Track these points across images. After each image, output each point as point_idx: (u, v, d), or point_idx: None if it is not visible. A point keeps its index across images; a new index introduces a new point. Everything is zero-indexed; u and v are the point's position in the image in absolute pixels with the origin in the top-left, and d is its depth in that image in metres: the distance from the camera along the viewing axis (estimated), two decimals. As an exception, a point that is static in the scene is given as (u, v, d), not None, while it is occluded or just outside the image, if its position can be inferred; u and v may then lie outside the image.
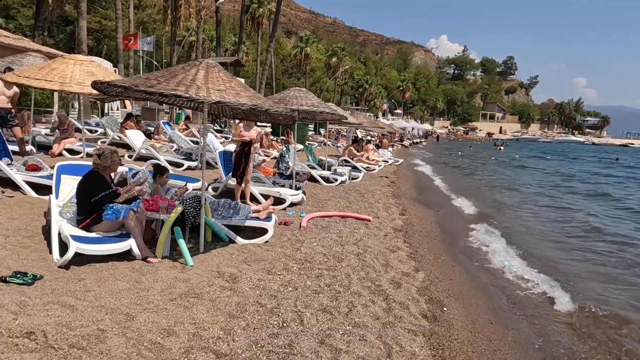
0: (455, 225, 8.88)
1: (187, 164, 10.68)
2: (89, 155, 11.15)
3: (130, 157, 11.12)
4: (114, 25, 43.32)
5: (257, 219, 5.81)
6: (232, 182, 7.77)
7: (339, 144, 20.48)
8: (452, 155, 36.32)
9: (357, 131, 32.06)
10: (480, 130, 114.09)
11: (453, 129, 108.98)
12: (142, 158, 10.43)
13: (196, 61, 4.58)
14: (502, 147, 47.48)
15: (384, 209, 8.47)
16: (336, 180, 11.09)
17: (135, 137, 11.40)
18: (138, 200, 4.75)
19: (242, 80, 6.12)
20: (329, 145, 24.44)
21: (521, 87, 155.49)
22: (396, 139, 37.68)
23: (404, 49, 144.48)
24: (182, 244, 4.59)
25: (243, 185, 7.62)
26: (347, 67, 67.76)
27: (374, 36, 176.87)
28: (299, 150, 15.77)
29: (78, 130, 15.51)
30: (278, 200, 7.78)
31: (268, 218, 5.91)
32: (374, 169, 14.82)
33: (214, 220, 5.42)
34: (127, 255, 4.42)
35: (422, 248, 6.15)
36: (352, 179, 12.22)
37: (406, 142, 39.78)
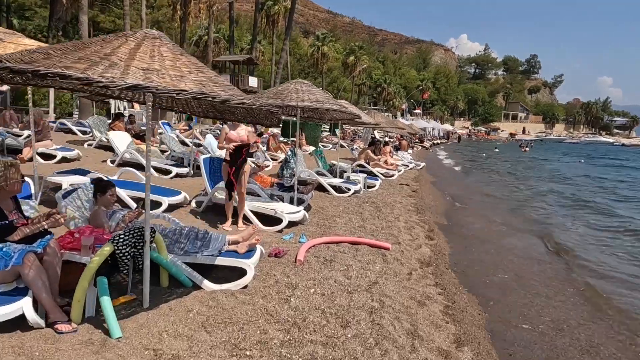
0: (504, 256, 7.05)
1: (175, 170, 9.24)
2: (65, 159, 9.93)
3: (112, 162, 9.76)
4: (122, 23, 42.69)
5: (235, 253, 4.27)
6: (222, 194, 6.28)
7: (354, 146, 18.80)
8: (478, 157, 34.16)
9: (375, 132, 30.35)
10: (502, 130, 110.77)
11: (474, 130, 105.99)
12: (126, 163, 9.04)
13: (131, 31, 3.06)
14: (527, 149, 44.98)
15: (406, 230, 6.84)
16: (349, 190, 9.49)
17: (119, 139, 10.03)
18: (48, 236, 3.25)
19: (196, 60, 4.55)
20: (344, 147, 22.83)
21: (545, 87, 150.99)
22: (416, 140, 35.80)
23: (423, 48, 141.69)
24: (106, 304, 3.08)
25: (237, 198, 6.12)
26: (364, 65, 65.92)
27: (392, 35, 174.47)
28: (308, 154, 14.20)
29: (67, 131, 14.33)
30: (274, 219, 6.24)
31: (250, 252, 4.37)
32: (393, 175, 13.15)
33: (171, 258, 3.90)
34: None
35: (461, 296, 4.51)
36: (368, 187, 10.60)
37: (427, 144, 37.82)
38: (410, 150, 25.61)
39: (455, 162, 26.33)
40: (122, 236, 3.31)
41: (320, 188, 9.41)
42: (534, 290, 5.34)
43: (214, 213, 6.39)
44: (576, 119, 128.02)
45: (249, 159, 6.93)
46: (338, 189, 9.55)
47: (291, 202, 7.27)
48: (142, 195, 5.52)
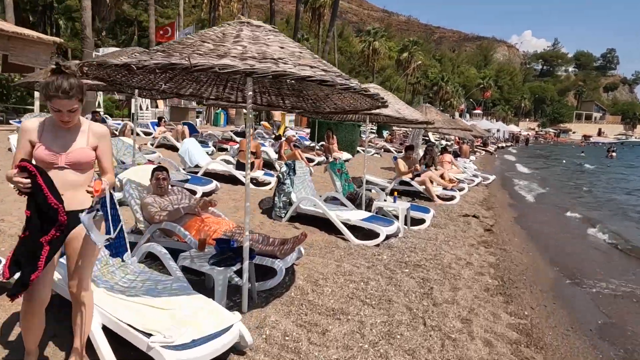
0: None
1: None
2: None
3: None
4: (165, 21, 41.04)
5: None
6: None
7: (395, 154, 14.53)
8: (558, 164, 28.21)
9: (430, 134, 25.77)
10: (574, 132, 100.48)
11: (541, 131, 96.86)
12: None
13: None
14: (614, 154, 38.01)
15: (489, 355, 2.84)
16: (378, 233, 5.51)
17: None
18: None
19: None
20: (391, 151, 18.71)
21: (624, 84, 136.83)
22: (478, 144, 30.70)
23: (484, 45, 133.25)
24: None
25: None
26: (419, 62, 60.87)
27: (450, 33, 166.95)
28: (323, 170, 10.29)
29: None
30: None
31: None
32: (453, 198, 8.97)
33: None
34: None
35: None
36: (413, 222, 6.55)
37: (491, 148, 32.53)
38: (472, 157, 20.95)
39: (533, 172, 21.05)
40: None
41: (329, 226, 5.59)
42: None
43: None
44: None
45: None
46: (359, 231, 5.63)
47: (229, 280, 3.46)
48: None
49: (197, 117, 24.14)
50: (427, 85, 78.17)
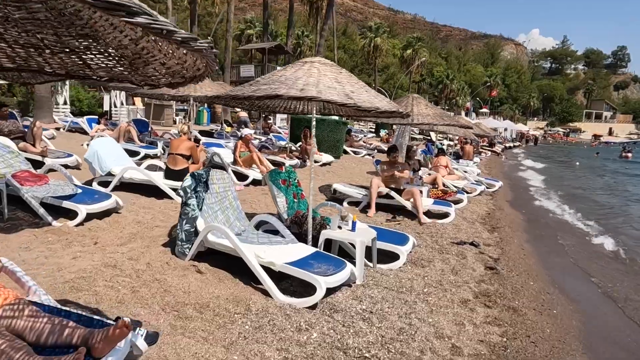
0: None
1: None
2: None
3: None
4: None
5: None
6: None
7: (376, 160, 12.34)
8: (571, 167, 25.71)
9: (432, 133, 23.62)
10: (583, 131, 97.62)
11: (550, 131, 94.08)
12: None
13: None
14: (630, 154, 35.56)
15: None
16: (322, 284, 3.52)
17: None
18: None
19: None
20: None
21: (635, 82, 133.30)
22: (484, 144, 28.54)
23: (491, 43, 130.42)
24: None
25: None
26: (423, 59, 58.69)
27: (457, 31, 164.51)
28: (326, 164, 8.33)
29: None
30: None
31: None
32: (447, 215, 6.95)
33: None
34: None
35: None
36: (384, 257, 4.57)
37: (497, 148, 30.35)
38: (477, 159, 18.88)
39: (546, 177, 18.74)
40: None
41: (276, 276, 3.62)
42: None
43: None
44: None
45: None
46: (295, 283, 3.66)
47: None
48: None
49: (177, 115, 22.22)
50: (432, 83, 75.96)
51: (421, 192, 7.85)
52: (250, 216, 4.90)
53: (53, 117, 14.53)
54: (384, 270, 4.35)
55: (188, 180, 4.12)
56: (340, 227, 4.36)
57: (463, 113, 65.02)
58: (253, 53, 35.67)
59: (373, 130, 30.43)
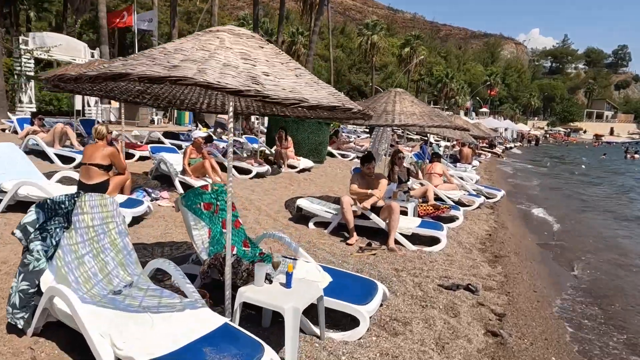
0: None
1: None
2: None
3: None
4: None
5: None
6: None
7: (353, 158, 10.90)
8: (577, 170, 24.05)
9: (430, 136, 22.07)
10: (584, 131, 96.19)
11: (551, 130, 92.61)
12: None
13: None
14: (636, 155, 34.04)
15: None
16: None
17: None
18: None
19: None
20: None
21: (636, 81, 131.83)
22: (484, 145, 27.09)
23: (491, 42, 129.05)
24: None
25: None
26: (421, 57, 57.26)
27: (457, 30, 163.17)
28: (305, 169, 6.92)
29: None
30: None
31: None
32: (438, 241, 5.52)
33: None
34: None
35: None
36: (339, 321, 3.15)
37: (498, 149, 28.90)
38: (476, 162, 17.46)
39: (558, 182, 17.25)
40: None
41: None
42: None
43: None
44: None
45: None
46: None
47: None
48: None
49: (156, 114, 20.77)
50: (431, 82, 74.49)
51: (406, 209, 6.43)
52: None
53: (7, 114, 13.13)
54: (335, 344, 2.93)
55: (32, 214, 2.70)
56: (270, 281, 2.93)
57: (462, 112, 63.66)
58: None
59: (368, 130, 28.98)
